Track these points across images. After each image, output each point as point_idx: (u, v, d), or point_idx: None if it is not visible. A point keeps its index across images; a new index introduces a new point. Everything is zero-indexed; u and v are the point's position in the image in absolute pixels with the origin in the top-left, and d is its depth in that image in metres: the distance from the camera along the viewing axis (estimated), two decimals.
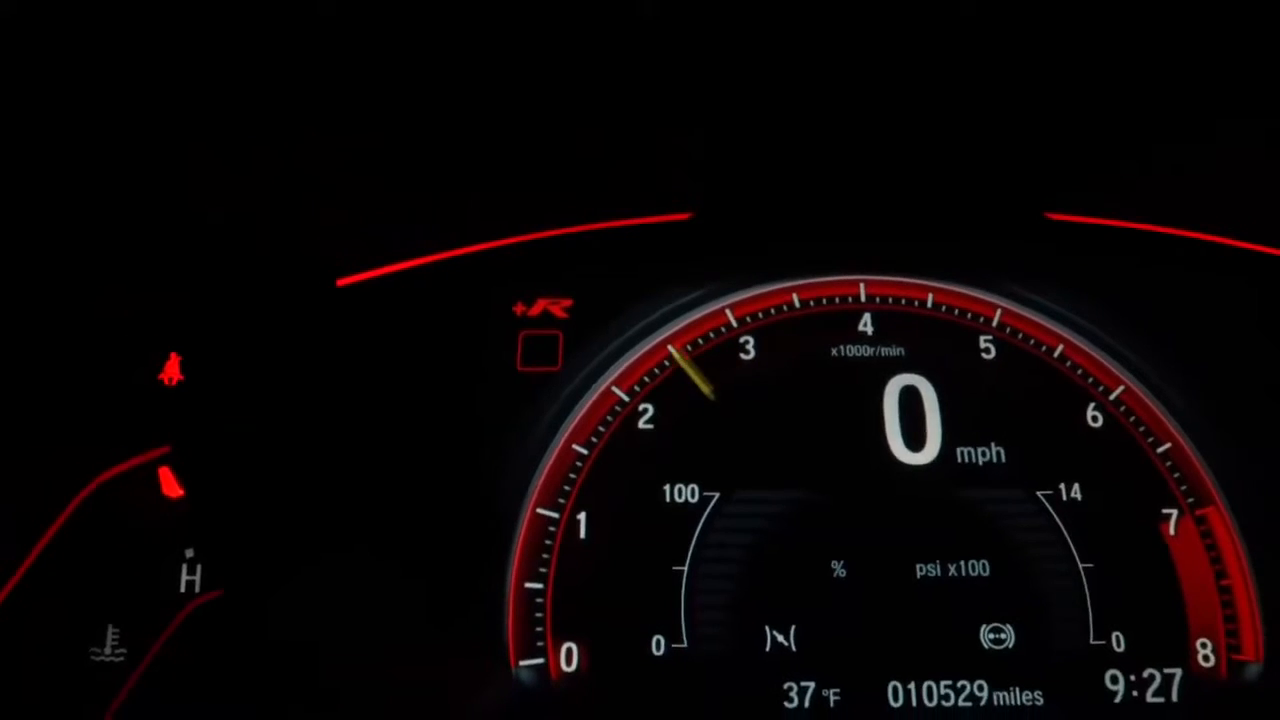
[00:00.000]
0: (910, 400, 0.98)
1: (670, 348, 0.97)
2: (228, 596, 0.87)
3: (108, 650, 0.87)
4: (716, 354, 1.01)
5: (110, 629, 0.88)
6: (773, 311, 1.04)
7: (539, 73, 0.92)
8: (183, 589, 0.90)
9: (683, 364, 0.96)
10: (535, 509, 0.92)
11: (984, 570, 0.90)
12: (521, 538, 0.91)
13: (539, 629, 0.88)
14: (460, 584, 0.89)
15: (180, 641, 0.88)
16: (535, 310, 1.01)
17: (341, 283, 1.01)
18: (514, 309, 1.01)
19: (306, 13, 0.84)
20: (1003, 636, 0.87)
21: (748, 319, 1.03)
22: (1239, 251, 1.03)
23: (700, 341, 1.01)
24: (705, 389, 0.95)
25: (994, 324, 1.03)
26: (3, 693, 0.86)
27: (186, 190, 0.96)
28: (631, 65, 0.92)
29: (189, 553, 0.91)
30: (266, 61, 0.90)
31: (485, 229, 1.01)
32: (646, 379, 0.99)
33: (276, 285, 1.00)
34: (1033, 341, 1.01)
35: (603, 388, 0.99)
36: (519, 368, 0.99)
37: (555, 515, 0.92)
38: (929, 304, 1.03)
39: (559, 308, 1.01)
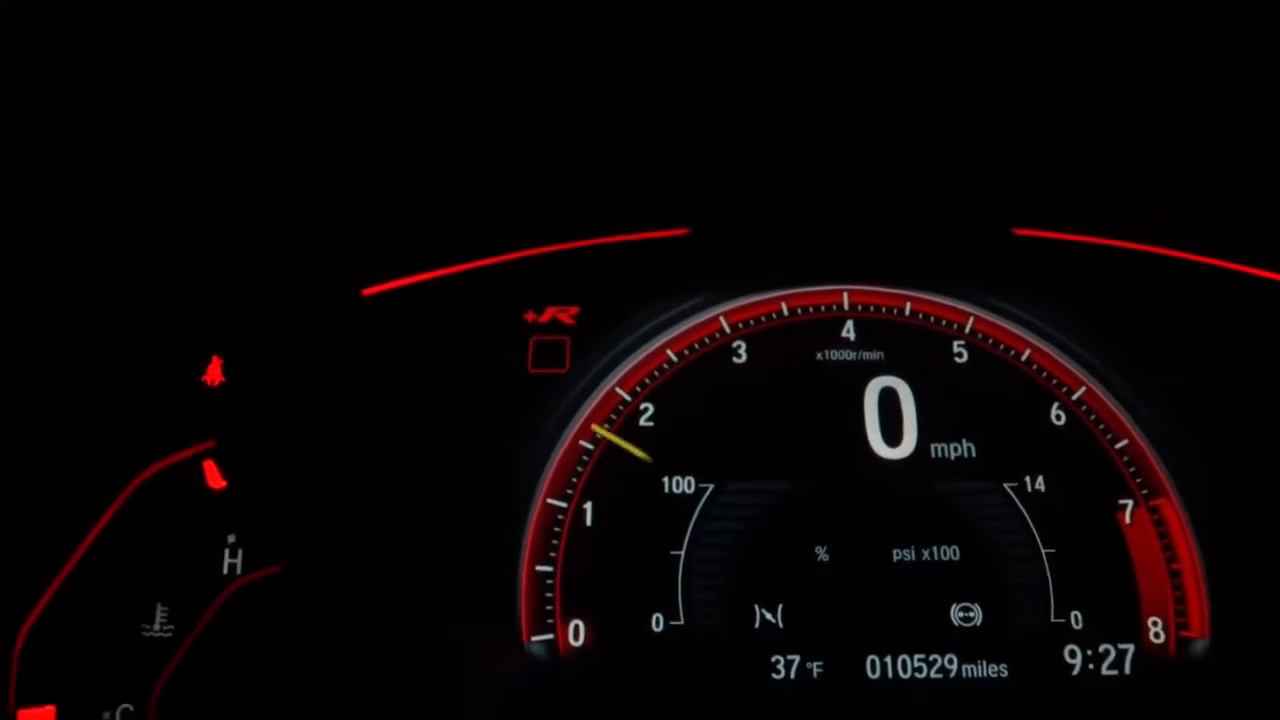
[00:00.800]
0: (889, 400, 1.01)
1: (594, 427, 0.98)
2: (271, 577, 0.91)
3: (157, 627, 0.92)
4: (711, 358, 1.04)
5: (159, 607, 0.92)
6: (763, 319, 1.07)
7: (542, 81, 0.93)
8: (225, 571, 0.94)
9: (613, 439, 0.98)
10: (545, 499, 0.96)
11: (954, 555, 0.94)
12: (532, 525, 0.95)
13: (549, 608, 0.92)
14: (477, 567, 0.93)
15: (223, 619, 0.92)
16: (545, 317, 1.04)
17: (366, 292, 1.05)
18: (525, 316, 1.04)
19: (321, 26, 0.86)
20: (971, 615, 0.92)
21: (740, 325, 1.06)
22: (1191, 264, 1.06)
23: (696, 346, 1.04)
24: (641, 456, 0.97)
25: (966, 331, 1.06)
26: (62, 664, 0.89)
27: (229, 211, 0.99)
28: (631, 72, 0.93)
29: (231, 538, 0.95)
30: (303, 83, 0.93)
31: (499, 243, 1.04)
32: (647, 380, 1.02)
33: (308, 295, 1.03)
34: (1002, 347, 1.05)
35: (607, 388, 1.02)
36: (530, 370, 1.02)
37: (563, 505, 0.96)
38: (907, 312, 1.07)
39: (567, 315, 1.05)
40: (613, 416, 1.01)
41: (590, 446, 0.98)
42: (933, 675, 0.90)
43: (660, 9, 0.85)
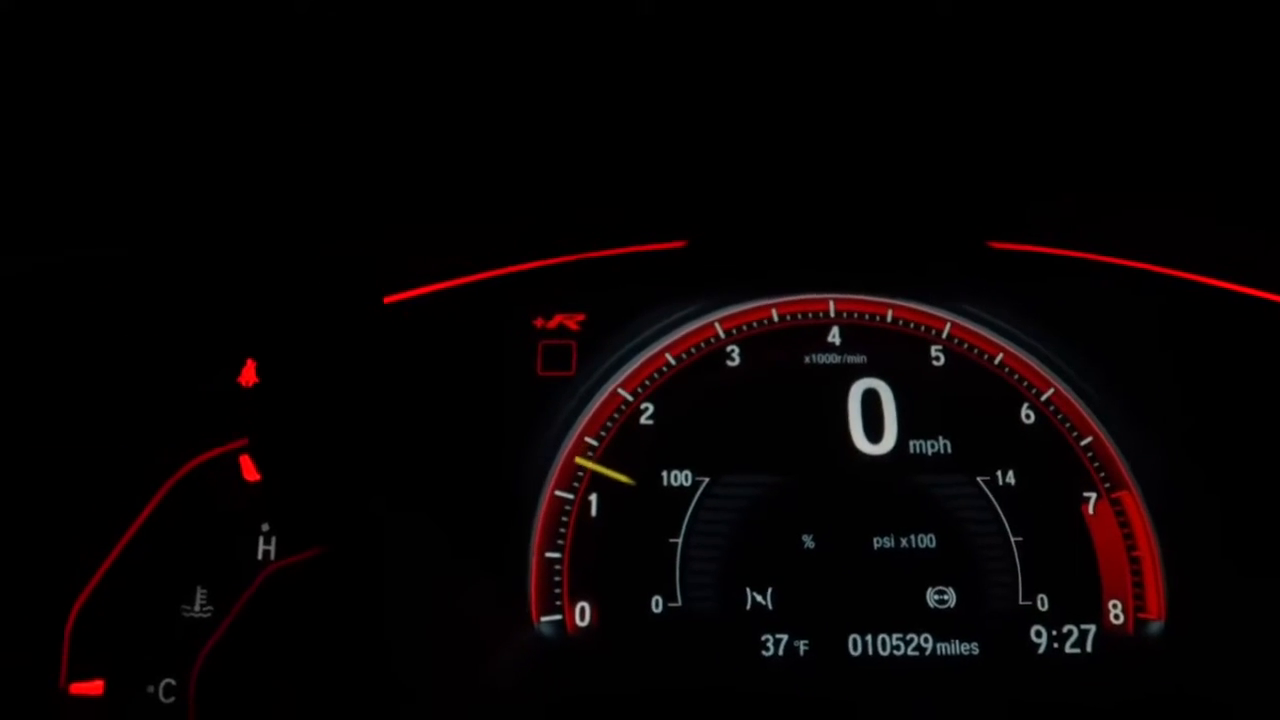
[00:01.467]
0: (871, 400, 1.05)
1: (577, 459, 1.01)
2: (302, 562, 0.95)
3: (197, 608, 0.96)
4: (706, 361, 1.07)
5: (199, 590, 0.96)
6: (755, 325, 1.09)
7: (553, 100, 0.95)
8: (260, 557, 0.97)
9: (595, 468, 1.00)
10: (553, 491, 1.00)
11: (931, 543, 0.98)
12: (542, 515, 0.99)
13: (557, 590, 0.96)
14: (490, 554, 0.97)
15: (257, 600, 0.95)
16: (553, 323, 1.07)
17: (389, 300, 1.08)
18: (534, 322, 1.07)
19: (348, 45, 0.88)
20: (945, 597, 0.96)
21: (733, 331, 1.09)
22: (1152, 275, 1.10)
23: (693, 350, 1.07)
24: (624, 480, 1.00)
25: (944, 336, 1.09)
26: (110, 641, 0.93)
27: (265, 227, 1.04)
28: (634, 94, 0.95)
29: (265, 527, 0.98)
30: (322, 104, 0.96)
31: (511, 255, 1.08)
32: (647, 382, 1.06)
33: (334, 302, 1.07)
34: (976, 351, 1.08)
35: (610, 389, 1.06)
36: (539, 373, 1.05)
37: (570, 496, 1.00)
38: (889, 319, 1.10)
39: (573, 321, 1.07)
40: (615, 415, 1.04)
41: (595, 444, 1.02)
42: (910, 653, 0.94)
43: (653, 28, 0.87)
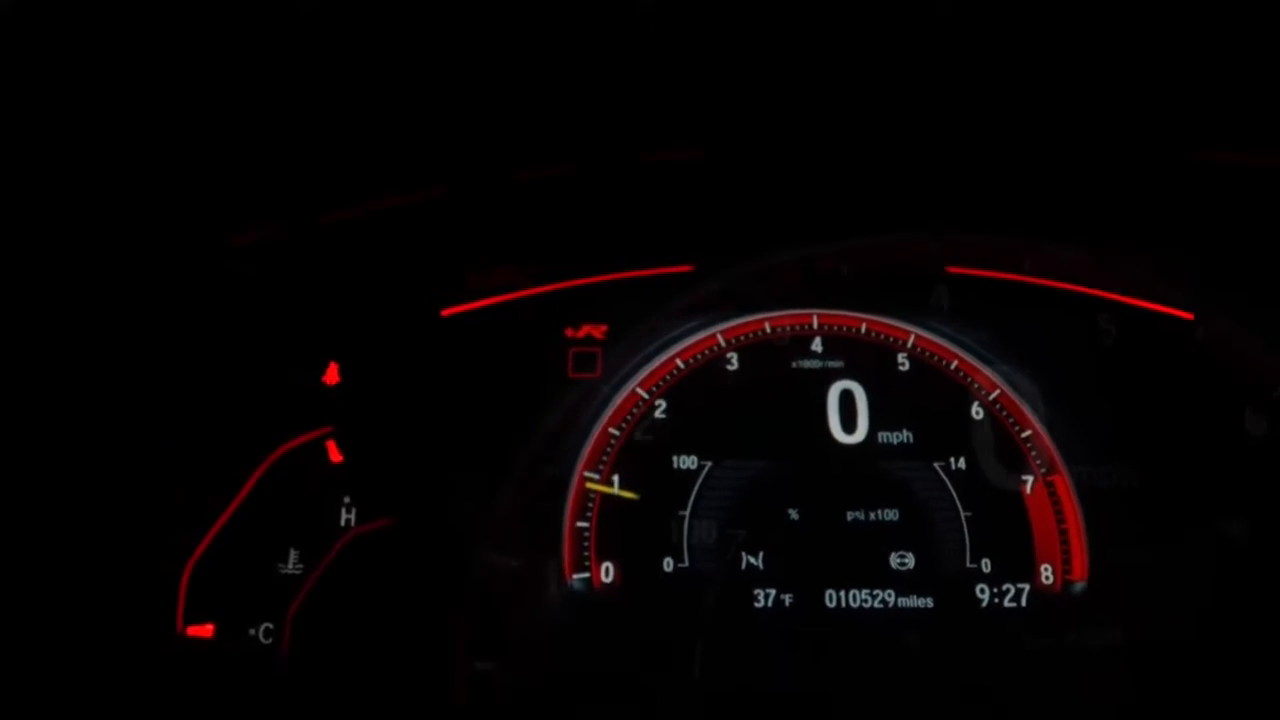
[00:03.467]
0: (846, 399, 1.12)
1: (586, 483, 1.05)
2: (378, 529, 1.03)
3: (290, 565, 1.04)
4: (710, 365, 1.14)
5: (292, 551, 1.05)
6: (750, 335, 1.15)
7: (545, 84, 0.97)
8: (343, 524, 1.06)
9: (603, 489, 1.06)
10: (583, 473, 1.08)
11: (895, 516, 1.06)
12: (573, 494, 1.07)
13: (585, 554, 1.05)
14: (532, 525, 1.05)
15: (341, 560, 1.05)
16: (581, 333, 1.13)
17: (445, 313, 1.16)
18: (565, 332, 1.13)
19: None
20: (905, 561, 1.04)
21: (732, 340, 1.14)
22: (1083, 296, 1.18)
23: (698, 357, 1.13)
24: (629, 496, 1.05)
25: (909, 346, 1.15)
26: (219, 592, 1.03)
27: (347, 251, 1.13)
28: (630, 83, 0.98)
29: (346, 499, 1.06)
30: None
31: (547, 276, 1.16)
32: (661, 383, 1.13)
33: (401, 315, 1.14)
34: (936, 358, 1.15)
35: (630, 389, 1.12)
36: (570, 375, 1.11)
37: (596, 477, 1.08)
38: (863, 331, 1.16)
39: (599, 331, 1.13)
40: (634, 411, 1.10)
41: (617, 434, 1.08)
42: (875, 605, 1.02)
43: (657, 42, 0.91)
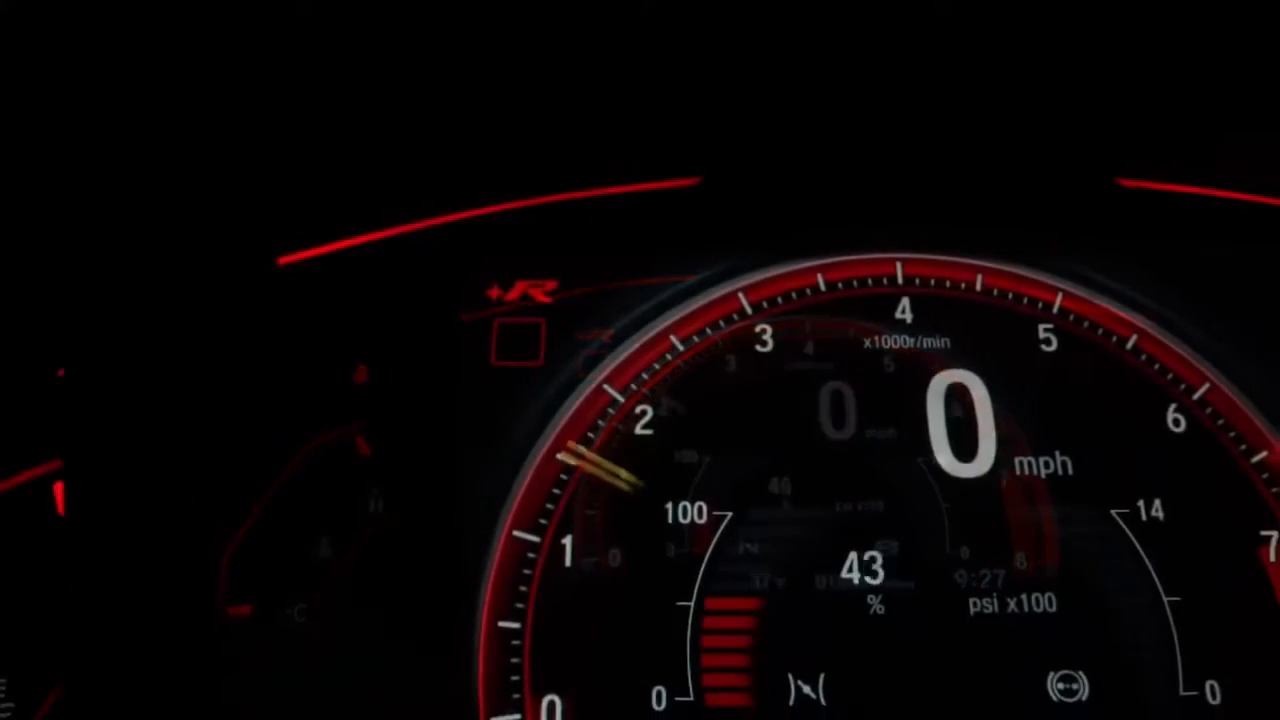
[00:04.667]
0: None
1: (563, 456, 0.70)
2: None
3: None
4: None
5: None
6: (794, 296, 0.92)
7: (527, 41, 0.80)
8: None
9: (594, 464, 0.72)
10: (511, 532, 0.82)
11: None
12: (494, 567, 0.79)
13: (514, 678, 0.76)
14: (425, 626, 0.81)
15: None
16: (513, 294, 0.84)
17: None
18: (488, 293, 0.85)
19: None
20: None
21: (764, 304, 0.92)
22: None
23: (709, 331, 0.90)
24: (630, 479, 0.76)
25: (1054, 310, 0.92)
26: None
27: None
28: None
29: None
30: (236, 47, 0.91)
31: (456, 197, 0.77)
32: (645, 375, 0.90)
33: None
34: (1101, 331, 0.91)
35: (594, 385, 0.89)
36: (493, 362, 0.85)
37: (535, 539, 0.79)
38: (978, 287, 0.93)
39: (541, 291, 0.84)
40: (600, 422, 0.91)
41: (572, 463, 0.78)
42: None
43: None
